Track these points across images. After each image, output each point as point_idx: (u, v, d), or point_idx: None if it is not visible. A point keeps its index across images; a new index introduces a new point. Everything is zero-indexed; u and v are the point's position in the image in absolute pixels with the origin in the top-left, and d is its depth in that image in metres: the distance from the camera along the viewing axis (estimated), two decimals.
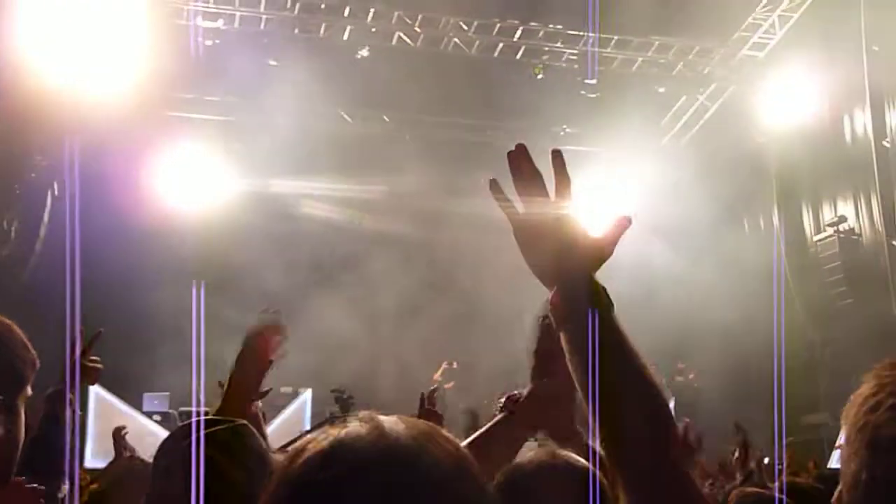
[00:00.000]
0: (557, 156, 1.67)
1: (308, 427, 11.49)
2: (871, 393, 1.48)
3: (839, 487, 1.59)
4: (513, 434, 2.20)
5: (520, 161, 1.68)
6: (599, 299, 1.59)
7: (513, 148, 1.70)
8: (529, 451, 2.26)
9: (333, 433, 1.19)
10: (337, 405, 9.21)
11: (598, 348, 1.53)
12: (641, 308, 13.80)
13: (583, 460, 2.15)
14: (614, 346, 1.56)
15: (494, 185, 1.70)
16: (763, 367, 14.29)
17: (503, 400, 2.28)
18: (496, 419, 2.19)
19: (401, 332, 17.89)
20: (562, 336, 1.62)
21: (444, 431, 1.26)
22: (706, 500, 1.66)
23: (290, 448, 1.24)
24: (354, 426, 1.19)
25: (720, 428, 15.22)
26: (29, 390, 2.02)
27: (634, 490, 1.53)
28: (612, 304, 1.60)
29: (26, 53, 13.52)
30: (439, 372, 17.75)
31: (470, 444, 2.09)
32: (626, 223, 1.66)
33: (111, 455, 6.29)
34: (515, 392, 2.27)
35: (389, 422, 1.19)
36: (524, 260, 1.66)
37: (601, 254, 1.64)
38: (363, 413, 1.23)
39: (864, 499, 1.44)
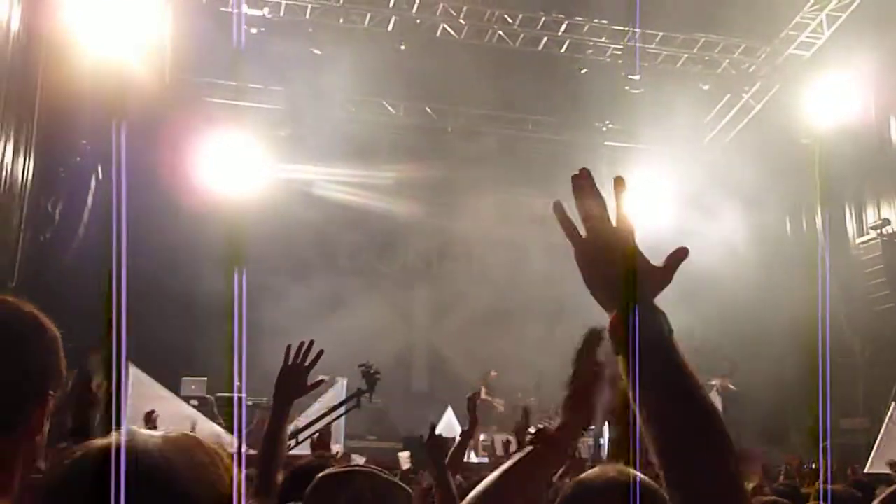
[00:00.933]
0: (620, 182, 1.67)
1: (343, 411, 11.65)
2: None
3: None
4: (545, 464, 2.21)
5: (583, 185, 1.67)
6: (660, 326, 1.59)
7: (576, 172, 1.69)
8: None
9: (92, 444, 1.19)
10: (363, 379, 9.37)
11: (656, 374, 1.53)
12: (677, 309, 13.71)
13: (649, 479, 2.16)
14: (673, 373, 1.55)
15: (558, 207, 1.69)
16: (799, 368, 14.15)
17: (534, 430, 2.29)
18: (527, 451, 2.21)
19: (436, 323, 17.90)
20: (619, 361, 1.61)
21: (207, 443, 1.25)
22: None
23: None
24: (112, 438, 1.19)
25: (757, 429, 15.12)
26: (50, 403, 1.72)
27: None
28: (672, 331, 1.59)
29: (72, 38, 13.65)
30: (484, 381, 17.38)
31: (506, 473, 2.12)
32: (684, 253, 1.66)
33: None
34: (545, 424, 2.28)
35: (145, 435, 1.20)
36: (585, 283, 1.66)
37: (661, 280, 1.64)
38: (128, 427, 1.23)
39: None
